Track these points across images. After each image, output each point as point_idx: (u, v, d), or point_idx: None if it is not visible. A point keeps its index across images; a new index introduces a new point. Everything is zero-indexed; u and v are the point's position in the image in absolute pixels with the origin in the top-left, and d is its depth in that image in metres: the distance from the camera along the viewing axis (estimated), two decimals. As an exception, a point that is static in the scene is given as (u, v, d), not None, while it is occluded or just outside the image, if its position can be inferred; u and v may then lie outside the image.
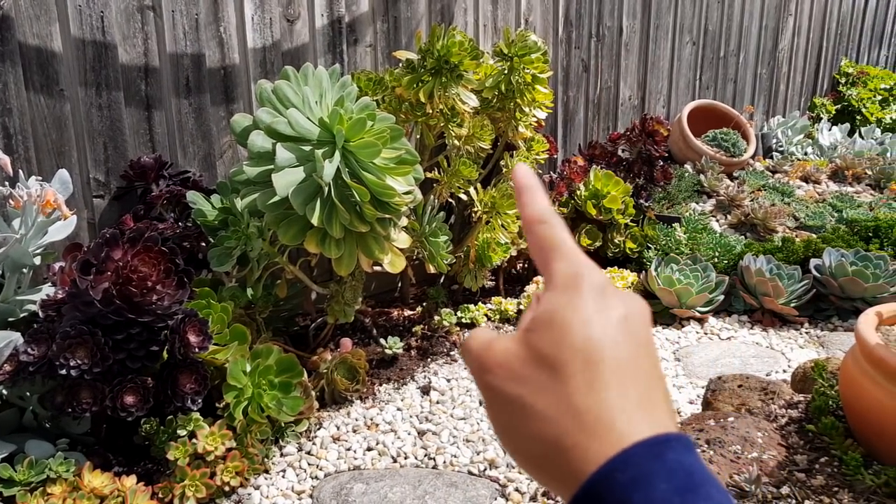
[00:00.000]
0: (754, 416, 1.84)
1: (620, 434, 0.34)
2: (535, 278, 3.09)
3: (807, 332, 2.74)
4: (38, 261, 1.89)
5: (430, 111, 2.32)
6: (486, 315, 2.78)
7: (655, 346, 0.39)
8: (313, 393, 2.09)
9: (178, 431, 1.79)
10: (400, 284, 2.99)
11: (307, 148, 1.90)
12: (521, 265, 3.21)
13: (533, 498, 1.76)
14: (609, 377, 0.36)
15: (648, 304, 0.40)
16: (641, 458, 0.34)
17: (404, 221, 2.18)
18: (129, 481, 1.67)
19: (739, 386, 1.99)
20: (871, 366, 1.57)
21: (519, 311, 2.80)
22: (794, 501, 1.50)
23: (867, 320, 1.71)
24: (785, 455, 1.65)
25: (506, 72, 2.58)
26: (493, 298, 2.91)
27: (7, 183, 1.84)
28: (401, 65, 2.39)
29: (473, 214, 2.65)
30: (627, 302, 0.39)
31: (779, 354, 2.55)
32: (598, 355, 0.36)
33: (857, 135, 5.20)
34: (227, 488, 1.76)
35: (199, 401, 1.82)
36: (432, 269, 2.55)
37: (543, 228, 0.42)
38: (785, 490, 1.53)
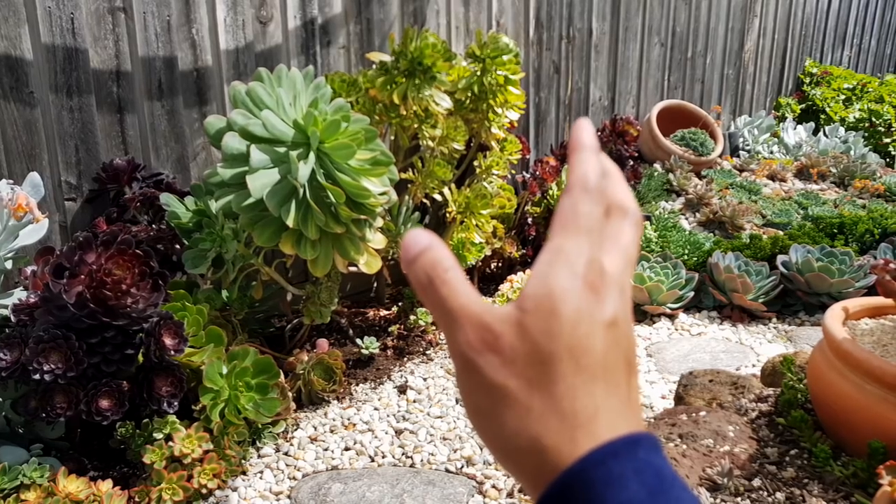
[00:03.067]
0: (725, 410, 1.88)
1: (597, 434, 0.34)
2: (508, 277, 3.12)
3: (775, 327, 2.80)
4: (9, 265, 1.87)
5: (404, 113, 2.33)
6: (461, 314, 2.80)
7: (635, 343, 0.39)
8: (290, 394, 2.09)
9: (155, 435, 1.78)
10: (376, 285, 3.00)
11: (282, 150, 1.90)
12: (495, 265, 3.23)
13: (510, 494, 1.78)
14: (595, 381, 0.35)
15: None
16: (614, 456, 0.34)
17: (379, 222, 2.19)
18: (105, 486, 1.66)
19: (710, 381, 2.03)
20: (839, 360, 1.61)
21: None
22: (765, 493, 1.53)
23: (834, 315, 1.75)
24: (756, 448, 1.69)
25: (478, 73, 2.60)
26: (467, 298, 2.93)
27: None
28: (374, 66, 2.39)
29: (448, 215, 2.66)
30: (618, 304, 0.37)
31: (748, 349, 2.60)
32: (587, 357, 0.35)
33: (821, 133, 5.30)
34: (204, 491, 1.76)
35: (176, 403, 1.81)
36: (407, 270, 2.55)
37: (582, 198, 0.39)
38: (756, 482, 1.57)
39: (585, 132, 0.41)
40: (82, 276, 1.67)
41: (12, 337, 1.69)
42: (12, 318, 1.76)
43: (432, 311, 0.38)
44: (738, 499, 1.52)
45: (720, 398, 1.95)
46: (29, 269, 1.85)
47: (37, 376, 1.63)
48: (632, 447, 0.34)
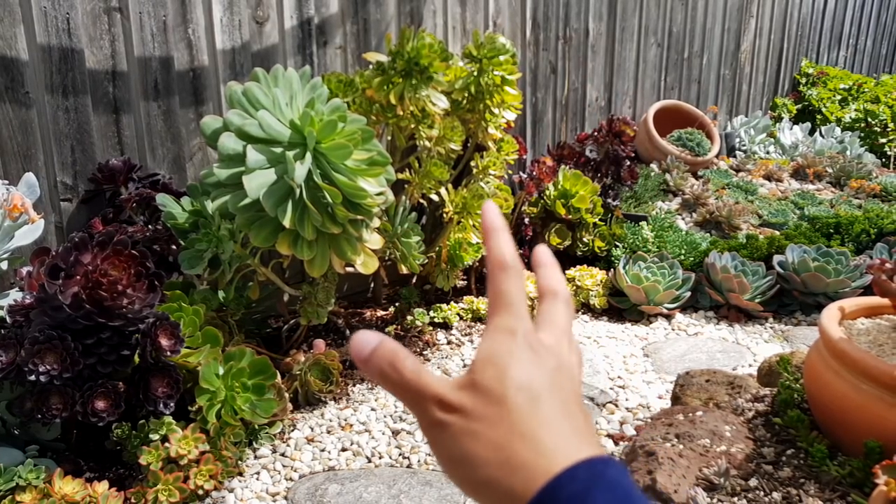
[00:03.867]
0: (722, 410, 1.88)
1: (565, 454, 0.37)
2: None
3: (771, 327, 2.80)
4: (4, 265, 1.86)
5: (401, 113, 2.33)
6: (459, 314, 2.80)
7: (583, 398, 0.45)
8: (287, 395, 2.09)
9: (151, 436, 1.77)
10: (373, 285, 2.99)
11: (278, 150, 1.90)
12: (491, 265, 3.23)
13: (507, 495, 1.78)
14: (550, 409, 0.40)
15: (581, 355, 0.47)
16: (584, 474, 0.36)
17: (376, 222, 2.18)
18: (101, 487, 1.66)
19: (707, 381, 2.03)
20: (835, 359, 1.61)
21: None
22: (762, 493, 1.53)
23: (830, 315, 1.75)
24: (753, 448, 1.69)
25: (475, 74, 2.60)
26: (465, 298, 2.93)
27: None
28: (371, 67, 2.39)
29: (445, 215, 2.66)
30: (560, 356, 0.43)
31: (744, 349, 2.60)
32: (537, 392, 0.40)
33: (817, 134, 5.31)
34: (200, 492, 1.75)
35: (172, 405, 1.81)
36: (405, 270, 2.56)
37: (502, 278, 0.44)
38: (753, 482, 1.57)
39: (494, 215, 0.46)
40: (78, 277, 1.67)
41: (8, 338, 1.68)
42: (8, 319, 1.75)
43: (397, 394, 0.42)
44: (735, 499, 1.52)
45: (717, 398, 1.95)
46: (24, 270, 1.84)
47: (32, 377, 1.62)
48: (601, 467, 0.37)
